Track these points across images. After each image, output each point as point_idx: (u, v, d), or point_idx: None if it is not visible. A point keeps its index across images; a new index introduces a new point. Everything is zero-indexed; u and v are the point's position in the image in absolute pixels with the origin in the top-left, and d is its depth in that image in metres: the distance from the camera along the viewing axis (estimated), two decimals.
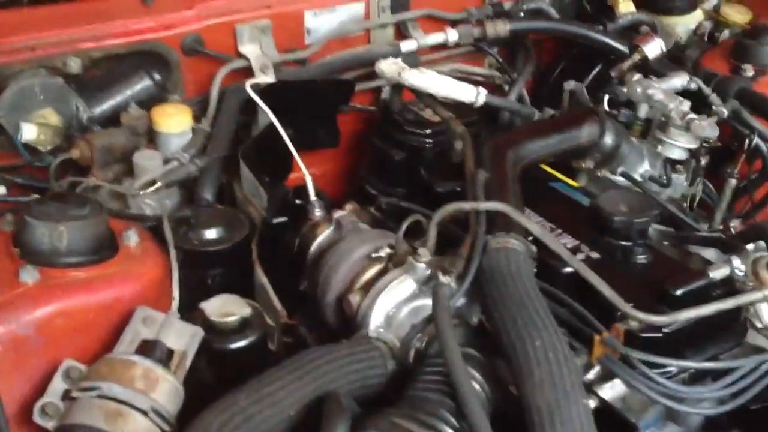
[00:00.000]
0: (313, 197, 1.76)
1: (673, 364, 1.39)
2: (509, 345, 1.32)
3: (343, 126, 2.14)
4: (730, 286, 1.49)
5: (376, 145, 2.04)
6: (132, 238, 1.46)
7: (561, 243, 1.54)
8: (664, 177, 1.96)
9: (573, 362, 1.29)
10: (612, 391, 1.44)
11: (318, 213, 1.74)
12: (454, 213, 1.55)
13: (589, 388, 1.42)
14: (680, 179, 2.00)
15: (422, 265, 1.48)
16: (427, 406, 1.29)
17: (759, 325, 1.51)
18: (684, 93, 2.00)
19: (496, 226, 1.51)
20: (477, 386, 1.35)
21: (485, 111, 2.05)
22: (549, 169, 1.89)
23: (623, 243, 1.59)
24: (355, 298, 1.53)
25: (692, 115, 1.88)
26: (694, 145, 1.92)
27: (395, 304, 1.49)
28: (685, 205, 2.00)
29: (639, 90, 1.95)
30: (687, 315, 1.38)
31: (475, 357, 1.41)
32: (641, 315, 1.36)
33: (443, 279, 1.44)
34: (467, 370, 1.32)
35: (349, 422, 1.17)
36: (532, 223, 1.51)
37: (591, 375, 1.46)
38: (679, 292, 1.46)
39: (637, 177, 1.96)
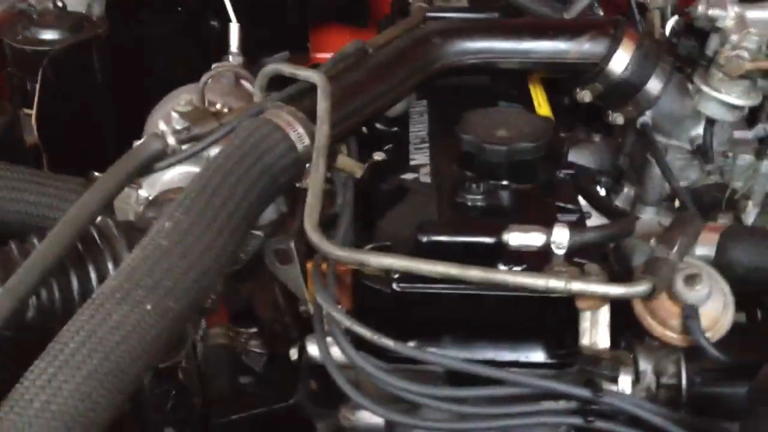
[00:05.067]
0: (234, 48, 1.47)
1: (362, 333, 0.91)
2: None
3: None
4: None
5: None
6: None
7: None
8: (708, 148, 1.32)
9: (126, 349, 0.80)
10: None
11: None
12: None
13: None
14: (744, 160, 1.34)
15: None
16: None
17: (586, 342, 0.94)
18: None
19: (294, 100, 1.12)
20: None
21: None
22: (536, 86, 1.36)
23: (466, 173, 1.09)
24: None
25: (740, 52, 1.21)
26: (743, 102, 1.25)
27: None
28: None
29: (703, 9, 1.30)
30: (373, 259, 0.88)
31: None
32: (313, 234, 0.90)
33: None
34: None
35: None
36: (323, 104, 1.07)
37: None
38: (425, 239, 0.95)
39: (681, 143, 1.35)
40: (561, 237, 0.93)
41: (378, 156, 1.19)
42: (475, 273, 0.87)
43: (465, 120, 1.12)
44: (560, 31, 1.31)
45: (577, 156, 1.49)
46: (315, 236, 0.90)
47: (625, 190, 1.44)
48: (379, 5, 1.78)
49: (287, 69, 1.18)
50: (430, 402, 0.92)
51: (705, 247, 1.04)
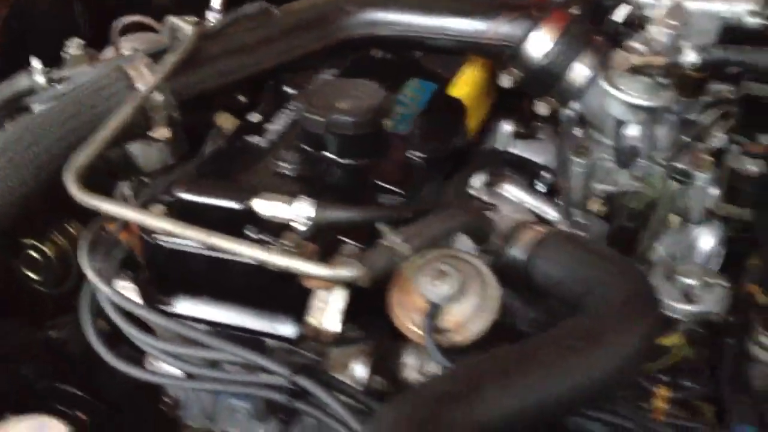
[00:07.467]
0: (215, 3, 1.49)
1: None
2: None
3: None
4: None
5: None
6: None
7: None
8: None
9: None
10: None
11: None
12: None
13: None
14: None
15: None
16: None
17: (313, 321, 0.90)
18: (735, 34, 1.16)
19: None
20: None
21: None
22: (473, 68, 1.30)
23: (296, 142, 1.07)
24: None
25: (636, 45, 1.08)
26: (644, 102, 1.11)
27: None
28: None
29: None
30: (109, 207, 0.90)
31: None
32: (67, 177, 0.93)
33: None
34: None
35: None
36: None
37: None
38: (177, 196, 0.95)
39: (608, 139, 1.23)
40: (302, 211, 0.91)
41: (254, 117, 1.19)
42: (191, 233, 0.87)
43: (312, 88, 1.10)
44: (479, 9, 1.24)
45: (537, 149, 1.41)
46: (68, 179, 0.93)
47: None
48: None
49: (180, 22, 1.21)
50: (159, 354, 0.94)
51: (521, 249, 0.97)
